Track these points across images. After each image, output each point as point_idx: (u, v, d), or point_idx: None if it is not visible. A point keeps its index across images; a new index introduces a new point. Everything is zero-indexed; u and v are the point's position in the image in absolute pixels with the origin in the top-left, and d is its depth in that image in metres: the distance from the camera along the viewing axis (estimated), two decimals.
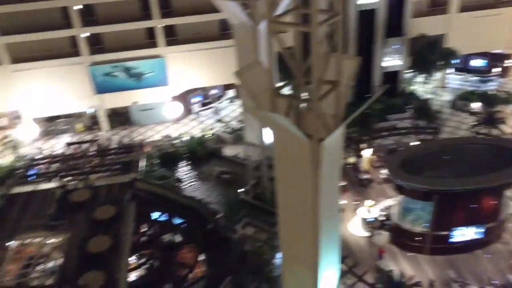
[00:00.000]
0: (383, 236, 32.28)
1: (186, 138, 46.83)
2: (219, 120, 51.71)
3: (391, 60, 48.98)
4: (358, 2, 45.12)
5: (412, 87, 52.19)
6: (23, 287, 23.33)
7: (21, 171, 38.36)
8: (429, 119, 43.63)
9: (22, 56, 47.96)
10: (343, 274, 26.55)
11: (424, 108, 45.99)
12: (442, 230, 30.28)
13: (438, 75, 52.88)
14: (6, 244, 26.16)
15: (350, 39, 46.48)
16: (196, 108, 53.52)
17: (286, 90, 18.16)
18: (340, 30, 15.75)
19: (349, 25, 45.67)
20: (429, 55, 48.81)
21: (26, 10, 45.71)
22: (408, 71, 51.16)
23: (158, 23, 47.97)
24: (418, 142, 40.12)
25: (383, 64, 48.71)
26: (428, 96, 51.28)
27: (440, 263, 30.24)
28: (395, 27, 47.53)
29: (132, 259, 27.32)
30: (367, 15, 46.23)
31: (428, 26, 49.77)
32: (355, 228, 33.37)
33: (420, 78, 51.92)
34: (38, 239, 27.01)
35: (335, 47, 16.04)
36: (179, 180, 41.15)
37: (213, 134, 47.82)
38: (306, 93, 16.56)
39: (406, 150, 35.77)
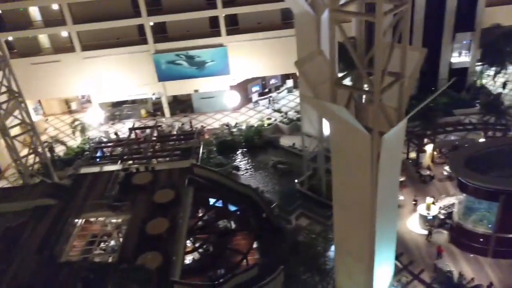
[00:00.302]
0: (443, 235, 31.08)
1: (244, 127, 47.30)
2: (277, 110, 51.74)
3: (460, 55, 46.69)
4: None
5: (482, 81, 49.43)
6: (87, 262, 24.64)
7: (89, 153, 40.52)
8: (499, 115, 41.14)
9: (91, 43, 50.40)
10: (398, 271, 25.87)
11: (494, 103, 43.37)
12: (508, 232, 28.69)
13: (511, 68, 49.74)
14: (74, 221, 27.80)
15: (416, 29, 44.70)
16: (254, 97, 53.83)
17: (347, 81, 17.79)
18: (406, 20, 15.16)
19: (415, 15, 43.89)
20: (503, 46, 45.89)
21: (97, 0, 47.88)
22: (479, 63, 48.47)
23: (221, 12, 48.52)
24: (486, 139, 38.06)
25: (451, 58, 46.48)
26: (499, 90, 48.37)
27: (504, 267, 28.67)
28: (465, 17, 45.14)
29: (188, 243, 28.11)
30: (435, 5, 44.17)
31: (503, 16, 46.78)
32: (413, 225, 32.34)
33: (491, 71, 49.02)
34: (101, 218, 28.52)
35: (399, 37, 15.48)
36: (235, 168, 41.72)
37: (270, 124, 47.93)
38: (368, 85, 16.13)
39: (472, 147, 34.05)
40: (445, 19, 44.79)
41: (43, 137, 47.03)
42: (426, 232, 31.56)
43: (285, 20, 49.86)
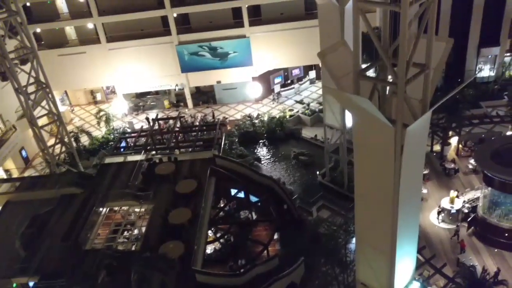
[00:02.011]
0: (466, 229, 30.59)
1: (266, 118, 47.32)
2: (299, 101, 51.51)
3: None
4: None
5: (511, 72, 48.10)
6: (111, 250, 25.18)
7: (113, 143, 41.20)
8: None
9: (116, 35, 51.02)
10: (420, 265, 25.62)
11: None
12: None
13: None
14: (99, 209, 28.39)
15: (443, 19, 43.71)
16: (277, 88, 53.72)
17: (370, 73, 17.56)
18: (433, 10, 14.84)
19: (442, 5, 42.90)
20: None
21: None
22: (508, 54, 47.17)
23: (244, 3, 48.38)
24: None
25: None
26: None
27: None
28: (495, 7, 43.92)
29: (209, 233, 28.40)
30: None
31: None
32: (436, 218, 31.92)
33: None
34: (125, 207, 29.05)
35: (425, 28, 15.17)
36: (257, 159, 41.82)
37: (292, 115, 47.80)
38: (392, 76, 15.89)
39: (499, 140, 33.27)
40: (473, 9, 43.67)
41: (69, 127, 48.00)
42: (449, 226, 31.11)
43: (308, 10, 49.42)
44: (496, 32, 45.50)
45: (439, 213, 31.59)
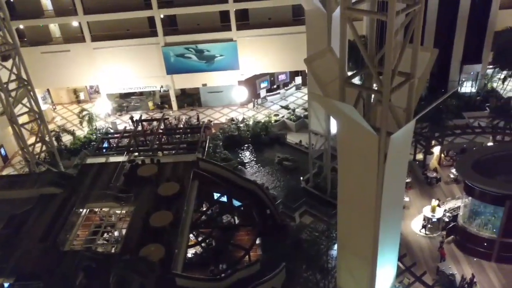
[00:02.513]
0: (445, 237, 30.93)
1: (251, 122, 47.26)
2: (285, 107, 51.61)
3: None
4: None
5: (492, 84, 48.99)
6: (89, 252, 24.76)
7: (95, 143, 40.65)
8: (508, 119, 40.75)
9: (101, 34, 50.49)
10: (401, 273, 25.77)
11: (504, 107, 43.00)
12: None
13: None
14: (79, 210, 27.91)
15: (428, 30, 44.34)
16: (262, 93, 53.73)
17: (356, 80, 17.65)
18: (419, 20, 14.99)
19: (428, 16, 43.51)
20: None
21: None
22: (490, 66, 48.06)
23: (232, 7, 48.35)
24: (494, 143, 37.74)
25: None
26: (510, 94, 47.90)
27: (507, 273, 28.45)
28: (478, 20, 44.73)
29: (191, 237, 28.15)
30: (449, 6, 43.78)
31: None
32: (417, 226, 32.18)
33: (503, 75, 48.54)
34: (106, 209, 28.63)
35: (411, 37, 15.31)
36: (241, 163, 41.69)
37: (277, 120, 47.85)
38: (377, 85, 16.00)
39: (480, 150, 33.74)
40: (457, 21, 44.39)
41: (51, 126, 47.25)
42: (430, 234, 31.41)
43: (296, 16, 49.65)
44: (479, 49, 46.33)
45: (424, 226, 31.68)
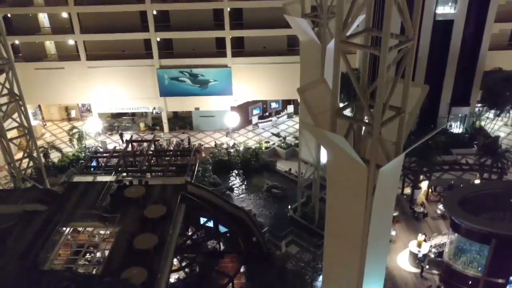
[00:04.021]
0: (432, 274, 30.75)
1: (241, 148, 47.29)
2: (276, 134, 51.83)
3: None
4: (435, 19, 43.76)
5: (481, 122, 49.84)
6: (70, 272, 24.19)
7: (83, 161, 40.28)
8: (495, 158, 41.31)
9: (97, 53, 50.75)
10: None
11: (492, 145, 43.63)
12: (498, 277, 28.36)
13: (511, 112, 50.19)
14: (62, 228, 27.39)
15: (420, 66, 45.27)
16: (254, 119, 54.01)
17: (347, 112, 17.85)
18: (411, 56, 15.33)
19: (420, 52, 44.51)
20: (503, 90, 46.43)
21: (107, 12, 48.41)
22: (478, 105, 49.00)
23: (229, 34, 49.05)
24: (481, 181, 38.10)
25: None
26: (497, 133, 48.72)
27: None
28: (468, 60, 45.84)
29: (175, 261, 27.70)
30: (440, 44, 44.91)
31: (506, 60, 47.54)
32: (403, 261, 32.03)
33: (490, 114, 49.49)
34: (90, 229, 28.12)
35: (403, 73, 15.61)
36: (229, 189, 41.50)
37: (268, 147, 47.96)
38: (368, 117, 16.19)
39: (467, 187, 34.03)
40: (448, 58, 45.45)
41: (39, 142, 46.80)
42: (415, 269, 31.24)
43: (291, 46, 50.47)
44: (468, 91, 47.38)
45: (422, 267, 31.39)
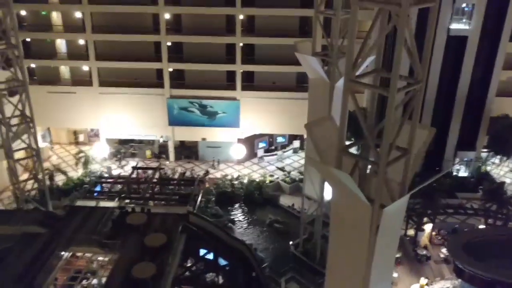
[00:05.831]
0: None
1: (245, 180, 47.21)
2: (281, 168, 51.80)
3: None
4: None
5: (486, 168, 49.61)
6: None
7: (87, 186, 40.34)
8: (501, 204, 40.92)
9: (109, 80, 51.64)
10: None
11: (497, 191, 43.29)
12: None
13: None
14: (61, 253, 27.16)
15: (427, 108, 45.54)
16: (260, 152, 54.14)
17: (353, 150, 17.92)
18: (419, 98, 15.51)
19: (427, 95, 44.89)
20: (510, 136, 46.44)
21: (122, 41, 49.55)
22: (485, 150, 48.94)
23: (239, 68, 49.88)
24: (486, 226, 37.61)
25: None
26: (503, 179, 48.39)
27: None
28: (475, 104, 46.13)
29: None
30: (448, 88, 45.31)
31: None
32: None
33: (496, 159, 49.34)
34: (89, 254, 27.86)
35: (410, 114, 15.75)
36: (231, 221, 41.20)
37: (272, 181, 47.84)
38: (374, 157, 16.24)
39: (472, 232, 33.61)
40: (455, 102, 45.74)
41: (46, 164, 46.99)
42: None
43: (300, 83, 51.10)
44: (474, 136, 47.42)
45: None
